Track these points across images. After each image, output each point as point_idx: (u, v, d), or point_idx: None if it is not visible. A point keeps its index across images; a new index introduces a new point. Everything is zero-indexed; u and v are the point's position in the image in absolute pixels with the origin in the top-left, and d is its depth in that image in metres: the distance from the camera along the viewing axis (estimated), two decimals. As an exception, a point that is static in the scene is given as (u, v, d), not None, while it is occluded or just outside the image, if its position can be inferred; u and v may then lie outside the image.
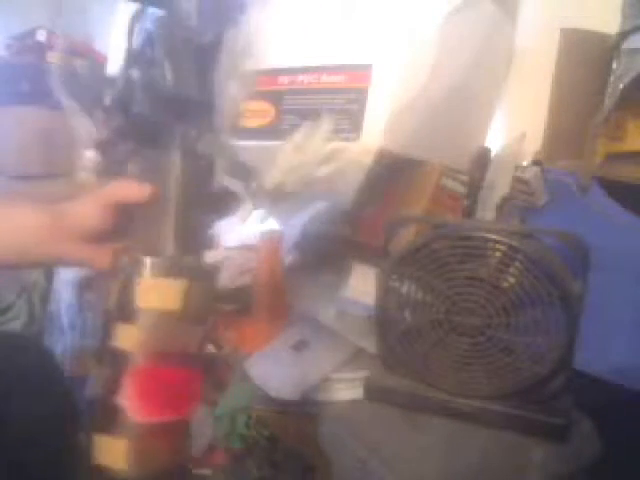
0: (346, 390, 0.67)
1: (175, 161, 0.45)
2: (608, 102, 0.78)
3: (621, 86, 0.76)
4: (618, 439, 0.54)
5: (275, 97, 0.68)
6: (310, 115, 0.65)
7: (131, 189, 0.46)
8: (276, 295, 0.82)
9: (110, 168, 0.49)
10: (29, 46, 1.32)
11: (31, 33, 1.32)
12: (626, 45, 0.78)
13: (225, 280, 0.88)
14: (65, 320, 1.01)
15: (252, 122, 0.69)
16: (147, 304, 0.43)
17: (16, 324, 1.03)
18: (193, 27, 0.44)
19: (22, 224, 0.45)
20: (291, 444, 0.72)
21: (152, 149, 0.45)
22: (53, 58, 1.30)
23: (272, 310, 0.82)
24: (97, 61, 1.32)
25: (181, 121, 0.45)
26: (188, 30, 0.44)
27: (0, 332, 0.90)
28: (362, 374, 0.64)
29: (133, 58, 0.45)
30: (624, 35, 0.79)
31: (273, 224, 0.82)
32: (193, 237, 0.46)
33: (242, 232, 0.94)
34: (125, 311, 0.43)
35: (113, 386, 0.43)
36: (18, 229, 0.45)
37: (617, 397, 0.61)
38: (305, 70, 0.67)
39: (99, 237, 0.46)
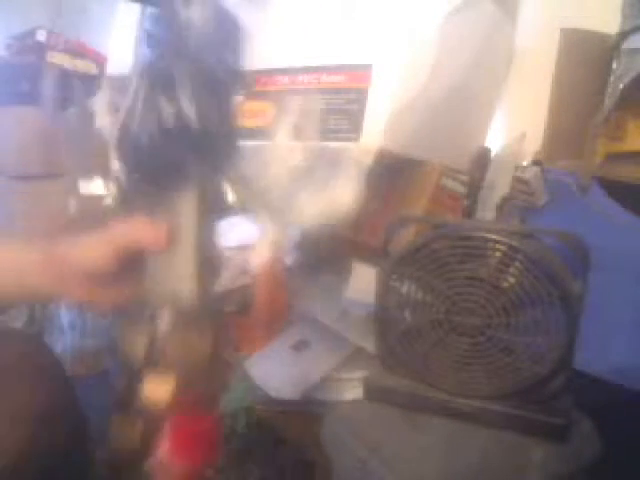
0: (346, 390, 0.67)
1: (192, 202, 0.42)
2: (608, 102, 0.78)
3: (621, 86, 0.77)
4: (618, 439, 0.54)
5: (275, 97, 0.69)
6: (310, 115, 0.65)
7: (144, 232, 0.43)
8: (276, 295, 0.82)
9: (125, 198, 0.47)
10: (29, 46, 1.32)
11: (31, 33, 1.31)
12: (626, 45, 0.78)
13: (225, 280, 0.88)
14: (65, 320, 1.01)
15: (252, 122, 0.69)
16: (178, 356, 0.42)
17: (16, 324, 1.03)
18: (199, 49, 0.41)
19: (21, 258, 0.44)
20: (291, 444, 0.72)
21: (165, 189, 0.42)
22: (53, 58, 1.30)
23: (272, 310, 0.82)
24: (98, 62, 1.32)
25: (199, 158, 0.42)
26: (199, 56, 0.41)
27: (5, 329, 0.89)
28: (362, 374, 0.64)
29: (146, 87, 0.42)
30: (624, 35, 0.79)
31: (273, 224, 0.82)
32: (208, 268, 0.44)
33: (242, 232, 0.94)
34: (153, 364, 0.42)
35: (148, 440, 0.42)
36: (17, 263, 0.44)
37: (617, 397, 0.61)
38: (305, 70, 0.67)
39: (104, 278, 0.44)
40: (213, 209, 0.44)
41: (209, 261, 0.44)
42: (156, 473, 0.43)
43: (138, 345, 0.43)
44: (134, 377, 0.42)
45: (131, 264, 0.44)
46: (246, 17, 0.45)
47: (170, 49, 0.41)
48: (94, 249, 0.43)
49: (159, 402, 0.41)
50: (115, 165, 0.46)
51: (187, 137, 0.40)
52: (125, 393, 0.43)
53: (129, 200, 0.46)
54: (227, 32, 0.42)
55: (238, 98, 0.44)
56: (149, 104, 0.41)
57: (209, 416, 0.45)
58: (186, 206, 0.42)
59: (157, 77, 0.41)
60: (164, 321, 0.42)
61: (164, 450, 0.43)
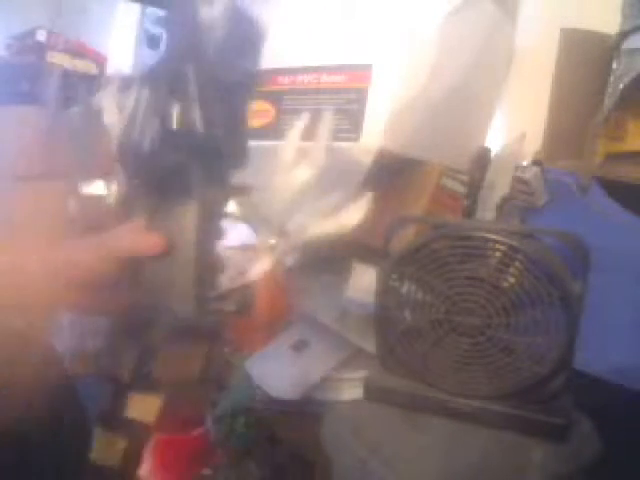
0: (346, 390, 0.67)
1: (193, 210, 0.41)
2: (608, 102, 0.78)
3: (621, 86, 0.77)
4: (618, 439, 0.54)
5: (275, 97, 0.69)
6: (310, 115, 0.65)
7: (139, 241, 0.42)
8: (276, 295, 0.82)
9: (125, 202, 0.45)
10: (29, 46, 1.32)
11: (31, 33, 1.31)
12: (626, 45, 0.78)
13: (225, 280, 0.88)
14: (65, 320, 1.01)
15: (252, 122, 0.69)
16: (168, 376, 0.41)
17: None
18: (218, 55, 0.38)
19: (21, 269, 0.43)
20: (291, 444, 0.72)
21: (165, 196, 0.41)
22: (53, 58, 1.30)
23: (272, 310, 0.82)
24: (98, 62, 1.32)
25: (203, 166, 0.40)
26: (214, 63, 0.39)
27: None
28: (362, 374, 0.64)
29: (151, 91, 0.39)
30: (624, 35, 0.79)
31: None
32: (208, 276, 0.43)
33: (242, 232, 0.94)
34: (143, 382, 0.41)
35: (132, 457, 0.41)
36: (16, 274, 0.43)
37: (617, 397, 0.61)
38: (305, 70, 0.67)
39: (98, 284, 0.43)
40: (214, 217, 0.43)
41: (209, 269, 0.43)
42: None
43: (128, 359, 0.42)
44: (120, 392, 0.41)
45: (128, 271, 0.43)
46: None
47: (179, 51, 0.39)
48: (89, 258, 0.43)
49: (145, 420, 0.41)
50: (118, 166, 0.45)
51: (191, 144, 0.39)
52: (110, 408, 0.42)
53: (129, 204, 0.45)
54: (244, 32, 0.40)
55: (251, 104, 0.42)
56: (151, 110, 0.39)
57: (194, 432, 0.44)
58: (187, 214, 0.41)
59: (161, 81, 0.39)
60: (157, 336, 0.41)
61: (147, 468, 0.42)
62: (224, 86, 0.39)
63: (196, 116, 0.38)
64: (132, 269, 0.42)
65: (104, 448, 0.45)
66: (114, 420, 0.42)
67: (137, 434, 0.41)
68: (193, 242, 0.42)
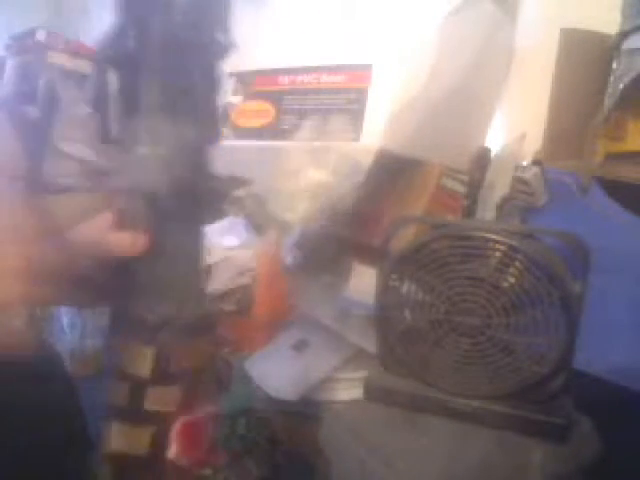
0: (346, 390, 0.67)
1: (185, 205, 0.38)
2: (608, 102, 0.78)
3: (621, 86, 0.77)
4: (618, 439, 0.54)
5: (275, 97, 0.69)
6: (310, 115, 0.65)
7: (110, 240, 0.39)
8: (276, 295, 0.82)
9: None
10: (29, 46, 1.32)
11: (31, 33, 1.32)
12: (626, 45, 0.78)
13: (225, 280, 0.88)
14: (65, 320, 1.01)
15: (252, 122, 0.69)
16: (184, 366, 0.41)
17: (16, 323, 1.03)
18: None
19: None
20: (291, 444, 0.72)
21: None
22: (53, 58, 1.30)
23: (272, 310, 0.82)
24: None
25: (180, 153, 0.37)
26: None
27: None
28: (362, 374, 0.64)
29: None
30: (624, 35, 0.79)
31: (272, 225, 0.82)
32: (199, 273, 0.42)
33: (242, 232, 0.94)
34: (161, 375, 0.41)
35: (159, 444, 0.42)
36: None
37: (617, 397, 0.61)
38: (305, 70, 0.68)
39: (78, 280, 0.39)
40: (205, 211, 0.42)
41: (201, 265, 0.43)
42: (166, 474, 0.43)
43: (144, 360, 0.41)
44: (137, 390, 0.41)
45: (108, 267, 0.40)
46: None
47: (135, 23, 0.34)
48: (55, 252, 0.39)
49: (167, 410, 0.41)
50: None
51: (162, 127, 0.35)
52: (128, 403, 0.42)
53: (109, 202, 0.43)
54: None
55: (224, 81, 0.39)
56: (113, 95, 0.36)
57: (206, 410, 0.45)
58: (178, 209, 0.39)
59: (119, 61, 0.35)
60: (168, 332, 0.40)
61: (175, 450, 0.43)
62: (191, 62, 0.35)
63: (162, 98, 0.35)
64: (116, 266, 0.40)
65: (127, 439, 0.45)
66: (134, 413, 0.43)
67: (161, 423, 0.42)
68: (190, 238, 0.41)
